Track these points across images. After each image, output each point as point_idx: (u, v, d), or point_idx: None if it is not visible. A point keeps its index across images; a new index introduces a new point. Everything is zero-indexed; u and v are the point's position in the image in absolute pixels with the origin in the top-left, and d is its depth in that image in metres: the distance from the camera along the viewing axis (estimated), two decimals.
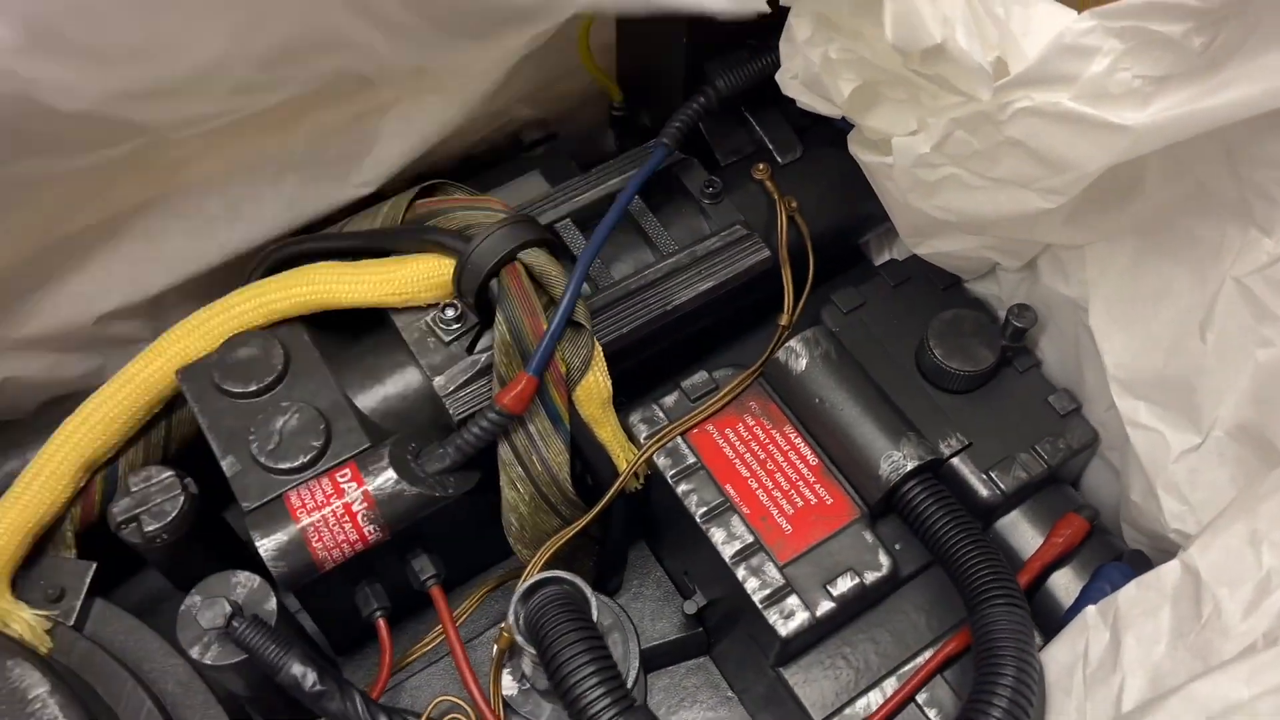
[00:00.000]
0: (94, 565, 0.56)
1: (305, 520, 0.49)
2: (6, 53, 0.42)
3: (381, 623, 0.54)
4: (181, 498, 0.53)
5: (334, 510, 0.49)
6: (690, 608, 0.59)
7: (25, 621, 0.52)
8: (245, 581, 0.49)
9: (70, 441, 0.54)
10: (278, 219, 0.59)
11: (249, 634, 0.46)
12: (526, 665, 0.53)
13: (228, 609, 0.46)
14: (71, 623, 0.54)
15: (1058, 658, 0.48)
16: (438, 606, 0.53)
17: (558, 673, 0.44)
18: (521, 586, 0.49)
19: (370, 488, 0.50)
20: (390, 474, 0.50)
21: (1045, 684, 0.47)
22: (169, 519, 0.52)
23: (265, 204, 0.59)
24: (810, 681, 0.53)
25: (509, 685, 0.54)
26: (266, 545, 0.48)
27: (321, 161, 0.59)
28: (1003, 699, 0.45)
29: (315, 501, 0.49)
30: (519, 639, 0.48)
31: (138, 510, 0.52)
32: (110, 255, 0.58)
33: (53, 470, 0.54)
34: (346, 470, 0.50)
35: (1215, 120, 0.42)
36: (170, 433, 0.58)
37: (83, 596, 0.55)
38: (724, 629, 0.60)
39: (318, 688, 0.46)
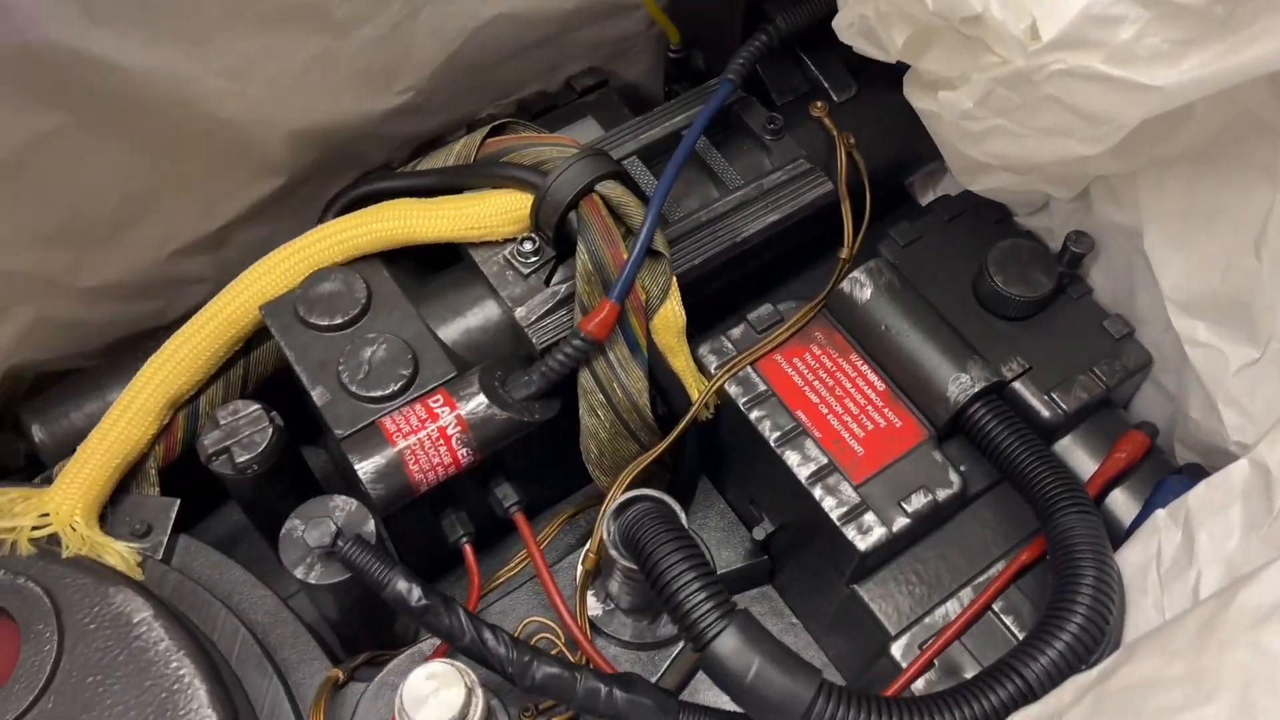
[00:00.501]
0: (178, 501, 0.57)
1: (401, 443, 0.50)
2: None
3: (468, 548, 0.55)
4: (270, 429, 0.54)
5: (429, 434, 0.51)
6: (759, 534, 0.61)
7: (118, 553, 0.53)
8: (343, 505, 0.50)
9: (156, 379, 0.55)
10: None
11: (354, 552, 0.47)
12: (613, 585, 0.54)
13: (333, 528, 0.47)
14: (160, 557, 0.55)
15: (1131, 560, 0.50)
16: (521, 531, 0.55)
17: (660, 579, 0.46)
18: (612, 505, 0.51)
19: (463, 412, 0.51)
20: (481, 399, 0.52)
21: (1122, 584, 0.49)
22: (259, 450, 0.53)
23: (318, 114, 0.59)
24: (884, 597, 0.55)
25: (593, 606, 0.56)
26: (365, 468, 0.50)
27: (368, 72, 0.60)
28: (1086, 597, 0.46)
29: (410, 425, 0.51)
30: (613, 553, 0.50)
31: (228, 442, 0.53)
32: (177, 190, 0.58)
33: (139, 407, 0.55)
34: (438, 396, 0.52)
35: (1245, 74, 0.44)
36: (248, 371, 0.59)
37: (169, 532, 0.56)
38: (790, 555, 0.62)
39: (423, 602, 0.47)
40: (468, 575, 0.55)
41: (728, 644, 0.44)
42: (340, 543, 0.47)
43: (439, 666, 0.44)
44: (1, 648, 0.48)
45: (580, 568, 0.55)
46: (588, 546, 0.56)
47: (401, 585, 0.47)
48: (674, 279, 0.54)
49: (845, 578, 0.55)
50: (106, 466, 0.55)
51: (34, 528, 0.52)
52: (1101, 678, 0.39)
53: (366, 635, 0.56)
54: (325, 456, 0.66)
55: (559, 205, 0.54)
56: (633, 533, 0.48)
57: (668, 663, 0.55)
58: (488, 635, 0.47)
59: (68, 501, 0.53)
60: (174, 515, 0.57)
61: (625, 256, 0.53)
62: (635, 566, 0.49)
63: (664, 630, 0.55)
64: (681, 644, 0.56)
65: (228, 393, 0.58)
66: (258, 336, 0.58)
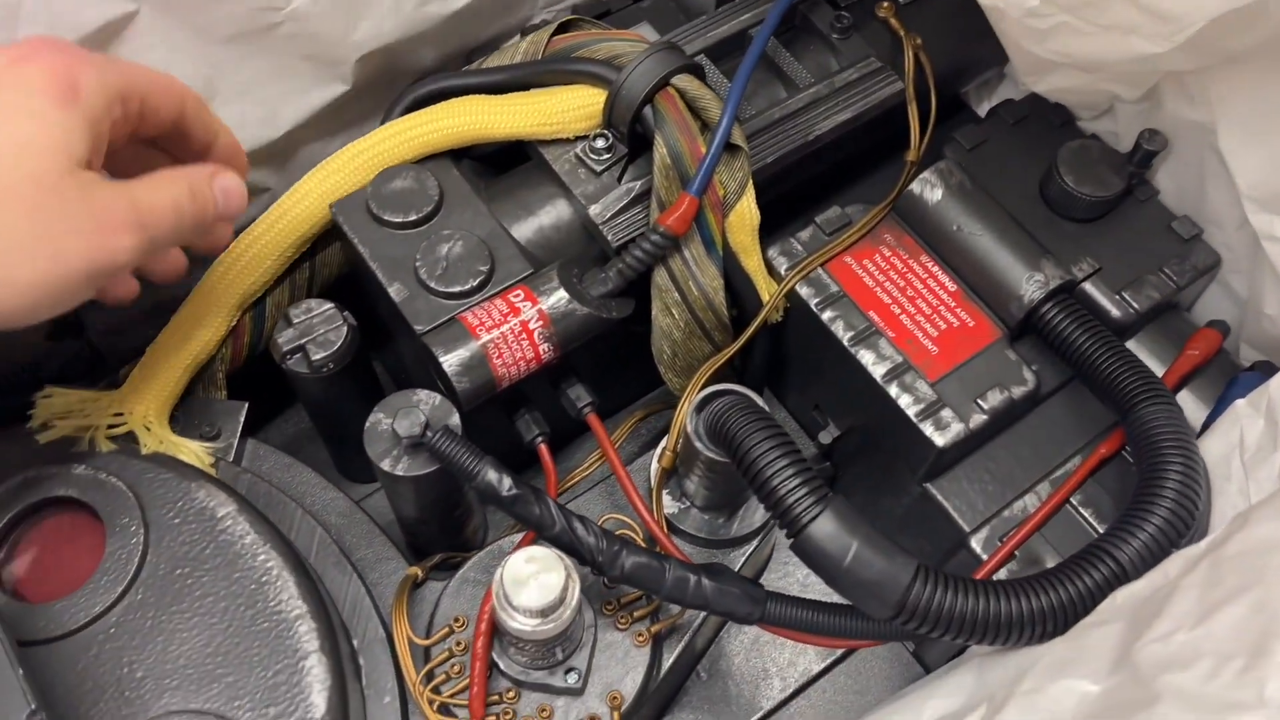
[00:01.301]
0: (245, 405, 0.57)
1: (485, 337, 0.50)
2: None
3: (543, 447, 0.55)
4: (345, 327, 0.53)
5: (511, 328, 0.50)
6: (825, 438, 0.61)
7: (194, 452, 0.53)
8: (426, 399, 0.50)
9: (225, 279, 0.55)
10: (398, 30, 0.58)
11: (444, 442, 0.47)
12: (690, 483, 0.54)
13: (422, 418, 0.47)
14: (230, 459, 0.55)
15: (1213, 449, 0.50)
16: (596, 431, 0.55)
17: (753, 466, 0.46)
18: (695, 399, 0.51)
19: (544, 306, 0.51)
20: (562, 293, 0.51)
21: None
22: (335, 348, 0.53)
23: (381, 16, 0.58)
24: (957, 494, 0.55)
25: (669, 504, 0.56)
26: (450, 361, 0.49)
27: None
28: (1175, 481, 0.47)
29: (493, 320, 0.50)
30: (698, 445, 0.49)
31: (303, 340, 0.53)
32: (241, 91, 0.57)
33: (209, 306, 0.55)
34: (519, 291, 0.51)
35: None
36: (314, 273, 0.58)
37: (238, 435, 0.56)
38: (856, 459, 0.62)
39: (514, 492, 0.47)
40: (543, 476, 0.55)
41: (825, 527, 0.44)
42: (429, 434, 0.47)
43: (539, 550, 0.44)
44: (87, 542, 0.48)
45: (656, 465, 0.55)
46: (664, 445, 0.56)
47: (492, 475, 0.47)
48: (751, 175, 0.54)
49: (918, 476, 0.55)
50: (176, 368, 0.54)
51: (109, 426, 0.52)
52: (1213, 547, 0.39)
53: (440, 536, 0.56)
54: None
55: (634, 100, 0.53)
56: (721, 423, 0.48)
57: (743, 559, 0.55)
58: (577, 525, 0.47)
59: (141, 402, 0.53)
60: (242, 418, 0.56)
61: (703, 150, 0.52)
62: (721, 458, 0.49)
63: (738, 528, 0.55)
64: (755, 542, 0.56)
65: (294, 295, 0.57)
66: (323, 240, 0.57)
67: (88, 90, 0.41)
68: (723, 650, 0.61)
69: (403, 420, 0.47)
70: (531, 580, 0.43)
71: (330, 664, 0.46)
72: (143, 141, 0.48)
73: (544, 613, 0.44)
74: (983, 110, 0.72)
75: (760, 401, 0.50)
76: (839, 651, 0.61)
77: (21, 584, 0.48)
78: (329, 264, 0.58)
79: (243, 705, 0.45)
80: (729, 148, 0.53)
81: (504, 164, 0.59)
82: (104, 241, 0.41)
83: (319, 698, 0.45)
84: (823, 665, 0.61)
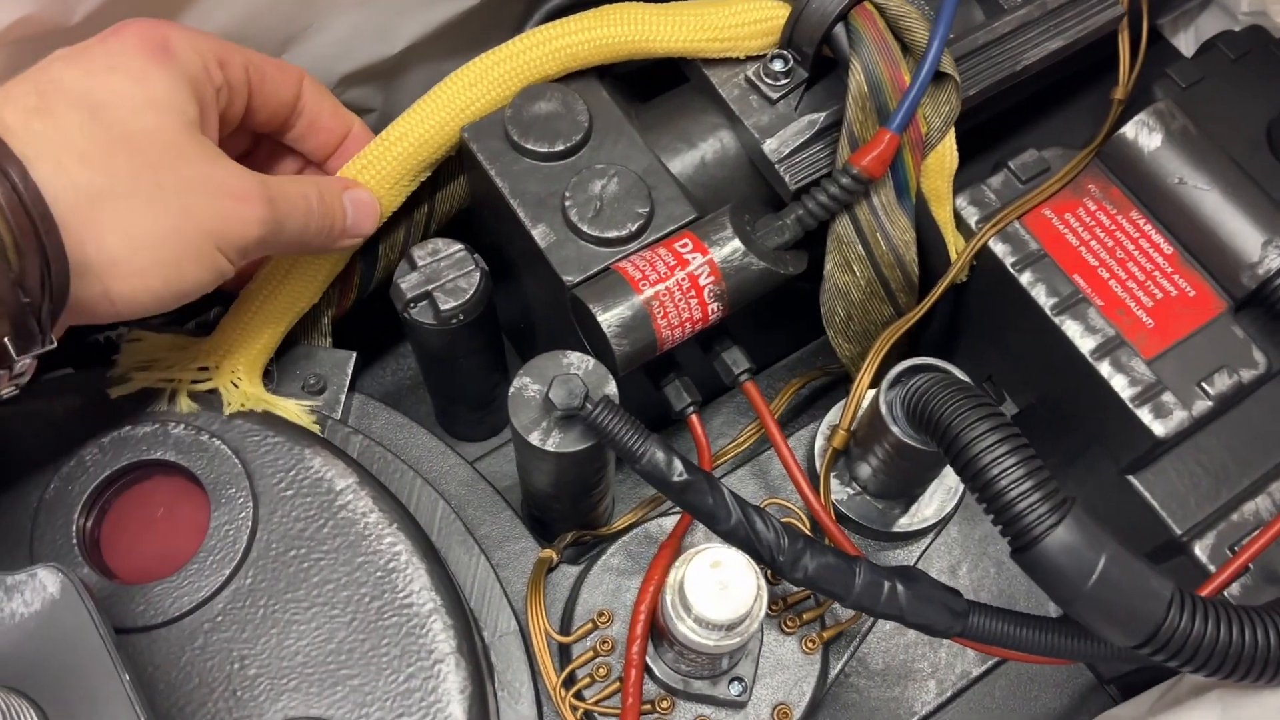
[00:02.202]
0: (354, 355, 0.50)
1: (647, 292, 0.42)
2: None
3: (695, 418, 0.48)
4: (477, 274, 0.46)
5: (679, 282, 0.43)
6: None
7: (294, 412, 0.46)
8: (579, 363, 0.42)
9: None
10: None
11: (605, 416, 0.40)
12: (864, 467, 0.47)
13: (583, 387, 0.40)
14: (338, 416, 0.48)
15: None
16: (756, 403, 0.47)
17: (973, 462, 0.38)
18: (885, 373, 0.43)
19: (716, 258, 0.43)
20: (737, 244, 0.44)
21: None
22: (466, 297, 0.46)
23: None
24: (1164, 488, 0.48)
25: (837, 490, 0.49)
26: (609, 320, 0.42)
27: None
28: None
29: (657, 273, 0.43)
30: (894, 429, 0.42)
31: (429, 287, 0.46)
32: (356, 5, 0.49)
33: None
34: (685, 239, 0.44)
35: None
36: (434, 210, 0.51)
37: (346, 388, 0.49)
38: (1031, 440, 0.55)
39: (684, 477, 0.40)
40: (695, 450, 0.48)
41: (1065, 540, 0.37)
42: (588, 405, 0.40)
43: (726, 553, 0.37)
44: (187, 515, 0.42)
45: (823, 443, 0.48)
46: (833, 422, 0.49)
47: (660, 456, 0.40)
48: (959, 110, 0.46)
49: (1121, 466, 0.48)
50: (275, 314, 0.47)
51: (192, 381, 0.45)
52: None
53: (570, 513, 0.49)
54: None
55: (825, 16, 0.45)
56: (926, 405, 0.41)
57: (917, 555, 0.49)
58: (756, 519, 0.40)
59: (231, 353, 0.46)
60: (350, 370, 0.50)
61: (907, 79, 0.44)
62: (920, 445, 0.42)
63: (912, 521, 0.49)
64: (930, 539, 0.49)
65: (410, 232, 0.50)
66: (445, 171, 0.50)
67: (180, 49, 0.39)
68: (870, 646, 0.54)
69: (559, 389, 0.40)
70: (718, 590, 0.37)
71: (469, 668, 0.40)
72: (268, 136, 0.46)
73: (729, 627, 0.37)
74: (1180, 44, 0.63)
75: (968, 380, 0.43)
76: None
77: (113, 561, 0.41)
78: (450, 198, 0.51)
79: (370, 714, 0.39)
80: (937, 77, 0.45)
81: (650, 87, 0.51)
82: (234, 208, 0.37)
83: (457, 708, 0.39)
84: (984, 668, 0.54)
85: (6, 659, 0.34)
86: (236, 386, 0.46)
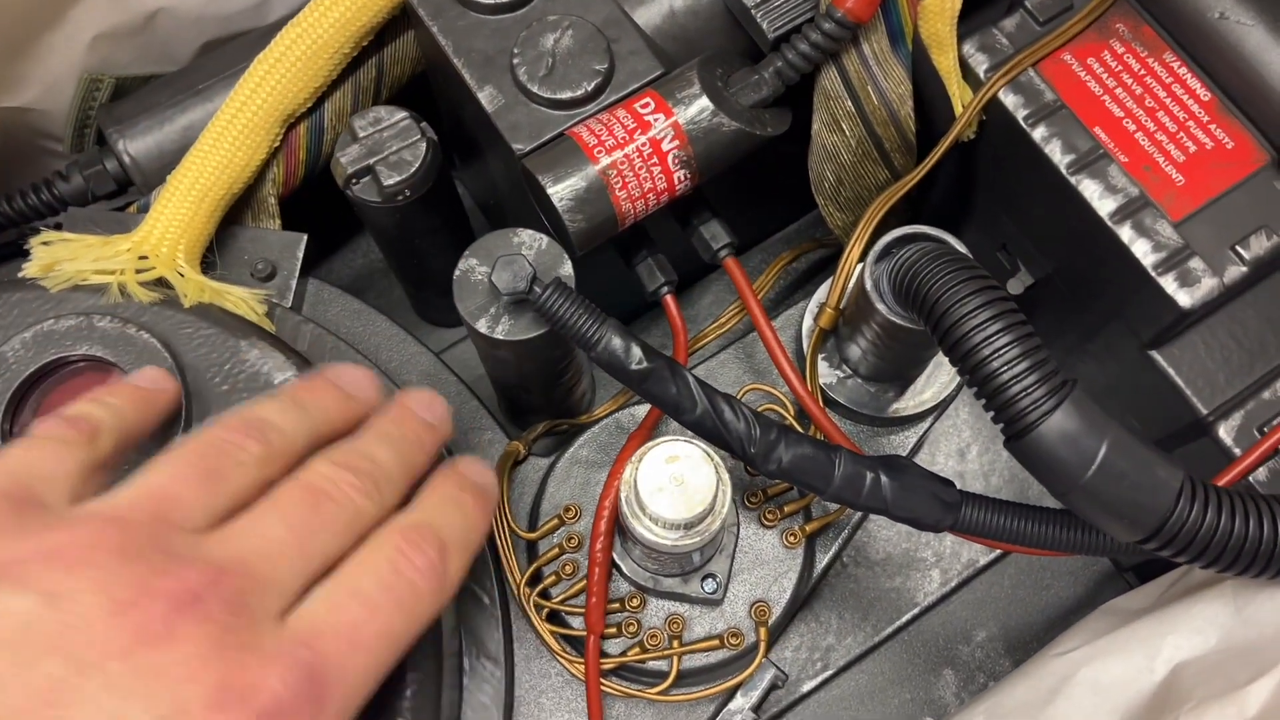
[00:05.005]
0: (304, 237, 0.46)
1: (604, 160, 0.38)
2: None
3: (670, 299, 0.44)
4: (423, 144, 0.42)
5: (639, 148, 0.38)
6: (1016, 286, 0.49)
7: (240, 299, 0.43)
8: (530, 241, 0.39)
9: (269, 82, 0.43)
10: None
11: (556, 300, 0.36)
12: (854, 349, 0.43)
13: (529, 269, 0.36)
14: (289, 304, 0.45)
15: None
16: (737, 280, 0.43)
17: (964, 340, 0.34)
18: (872, 243, 0.39)
19: (681, 119, 0.39)
20: (705, 102, 0.39)
21: None
22: (412, 170, 0.42)
23: None
24: (1191, 364, 0.44)
25: (826, 373, 0.45)
26: (560, 192, 0.38)
27: None
28: None
29: (615, 138, 0.38)
30: (879, 305, 0.38)
31: (371, 160, 0.42)
32: None
33: (246, 121, 0.43)
34: (648, 100, 0.39)
35: None
36: (381, 73, 0.46)
37: (296, 273, 0.46)
38: (1049, 312, 0.50)
39: (644, 365, 0.36)
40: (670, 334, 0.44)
41: (1062, 426, 0.33)
42: (537, 288, 0.36)
43: (682, 447, 0.34)
44: None
45: (811, 323, 0.44)
46: (821, 299, 0.44)
47: (618, 343, 0.36)
48: None
49: (1143, 341, 0.44)
50: (210, 194, 0.44)
51: (137, 271, 0.42)
52: None
53: (542, 404, 0.46)
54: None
55: None
56: (913, 279, 0.36)
57: (913, 442, 0.45)
58: (724, 407, 0.37)
59: (167, 239, 0.43)
60: (301, 253, 0.46)
61: None
62: (909, 323, 0.38)
63: (907, 405, 0.45)
64: (928, 423, 0.46)
65: (358, 101, 0.46)
66: (390, 29, 0.45)
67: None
68: (869, 535, 0.51)
69: (503, 271, 0.36)
70: (672, 485, 0.34)
71: None
72: None
73: (687, 525, 0.34)
74: None
75: (964, 250, 0.39)
76: None
77: None
78: (400, 61, 0.46)
79: None
80: None
81: None
82: None
83: None
84: (991, 556, 0.51)
85: None
86: (182, 276, 0.43)
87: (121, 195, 0.48)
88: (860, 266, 0.42)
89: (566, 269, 0.38)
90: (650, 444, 0.34)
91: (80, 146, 0.51)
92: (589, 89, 0.39)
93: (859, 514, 0.45)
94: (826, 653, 0.50)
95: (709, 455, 0.34)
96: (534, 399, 0.45)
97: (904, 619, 0.50)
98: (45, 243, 0.42)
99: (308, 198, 0.48)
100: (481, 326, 0.38)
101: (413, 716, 0.36)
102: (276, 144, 0.45)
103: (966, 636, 0.51)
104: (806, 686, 0.49)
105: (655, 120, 0.39)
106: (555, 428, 0.47)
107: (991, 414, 0.35)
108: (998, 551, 0.51)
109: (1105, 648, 0.38)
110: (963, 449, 0.51)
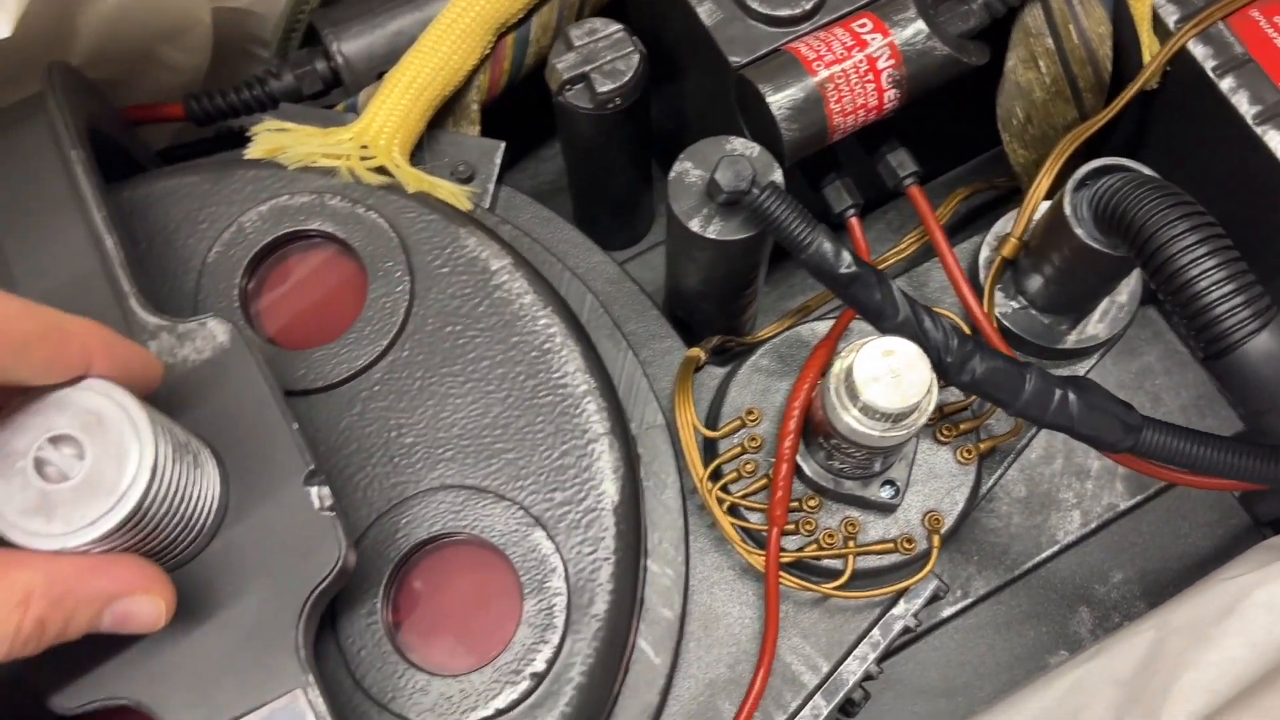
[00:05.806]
0: (503, 144, 0.48)
1: (822, 74, 0.40)
2: None
3: (855, 221, 0.46)
4: (635, 55, 0.44)
5: (856, 64, 0.40)
6: None
7: (452, 193, 0.45)
8: (743, 148, 0.40)
9: None
10: None
11: (772, 202, 0.38)
12: (1034, 280, 0.45)
13: (751, 170, 0.38)
14: (486, 205, 0.47)
15: None
16: (920, 208, 0.45)
17: (1172, 262, 0.36)
18: (1076, 174, 0.40)
19: (897, 40, 0.40)
20: (920, 26, 0.41)
21: None
22: (625, 79, 0.44)
23: None
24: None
25: (1000, 303, 0.47)
26: (779, 101, 0.40)
27: None
28: None
29: (834, 54, 0.40)
30: (1079, 231, 0.40)
31: (586, 68, 0.44)
32: None
33: (466, 26, 0.46)
34: (865, 19, 0.41)
35: None
36: None
37: (495, 178, 0.48)
38: None
39: (853, 269, 0.38)
40: None
41: (1269, 346, 0.35)
42: (755, 189, 0.38)
43: (899, 342, 0.36)
44: (344, 286, 0.42)
45: (989, 253, 0.46)
46: (1007, 231, 0.46)
47: (828, 246, 0.38)
48: None
49: None
50: (426, 94, 0.46)
51: (361, 159, 0.44)
52: None
53: (717, 316, 0.48)
54: None
55: None
56: (1120, 204, 0.38)
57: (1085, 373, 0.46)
58: (925, 316, 0.38)
59: (385, 132, 0.45)
60: (498, 160, 0.48)
61: None
62: (1107, 249, 0.39)
63: (1079, 339, 0.46)
64: (1096, 358, 0.47)
65: (563, 14, 0.48)
66: None
67: None
68: (1014, 473, 0.53)
69: (726, 170, 0.38)
70: (889, 376, 0.35)
71: (622, 449, 0.40)
72: None
73: (897, 418, 0.36)
74: None
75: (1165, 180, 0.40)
76: (1152, 487, 0.53)
77: (272, 328, 0.42)
78: None
79: (525, 487, 0.39)
80: None
81: None
82: None
83: (610, 485, 0.39)
84: (1131, 502, 0.52)
85: (181, 403, 0.34)
86: (399, 167, 0.45)
87: (325, 96, 0.51)
88: (1046, 203, 0.43)
89: (778, 175, 0.40)
90: (863, 340, 0.36)
91: (284, 51, 0.53)
92: (807, 7, 0.41)
93: (1024, 442, 0.47)
94: (967, 581, 0.51)
95: (922, 354, 0.36)
96: (709, 309, 0.47)
97: (1043, 555, 0.51)
98: (269, 130, 0.45)
99: (495, 109, 0.50)
100: (694, 226, 0.40)
101: (615, 583, 0.38)
102: (487, 51, 0.47)
103: (1103, 577, 0.52)
104: (946, 612, 0.51)
105: (872, 40, 0.40)
106: (726, 343, 0.48)
107: (1194, 333, 0.36)
108: (1138, 498, 0.52)
109: (1278, 573, 0.39)
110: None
